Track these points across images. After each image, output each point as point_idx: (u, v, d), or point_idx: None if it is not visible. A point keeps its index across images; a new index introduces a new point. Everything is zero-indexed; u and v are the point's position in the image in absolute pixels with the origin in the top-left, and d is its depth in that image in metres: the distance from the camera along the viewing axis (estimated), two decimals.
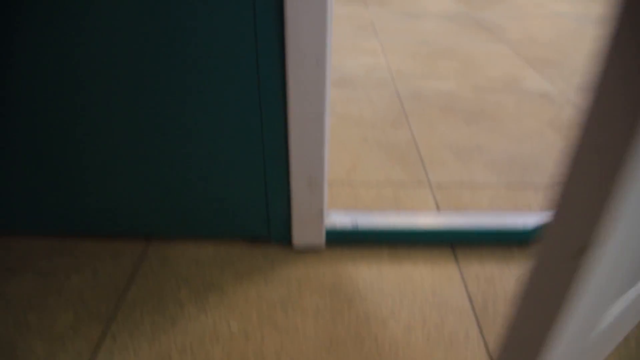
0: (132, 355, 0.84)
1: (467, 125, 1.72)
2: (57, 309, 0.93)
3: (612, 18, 0.38)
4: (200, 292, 0.97)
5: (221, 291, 0.97)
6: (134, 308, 0.93)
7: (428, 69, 2.24)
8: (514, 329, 0.58)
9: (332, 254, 1.08)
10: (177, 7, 0.81)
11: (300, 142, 0.93)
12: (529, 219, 1.11)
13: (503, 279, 1.02)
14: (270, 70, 0.87)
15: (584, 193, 0.40)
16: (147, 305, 0.93)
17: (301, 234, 1.05)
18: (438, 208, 1.25)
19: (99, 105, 0.91)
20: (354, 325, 0.90)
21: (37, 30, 0.84)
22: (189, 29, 0.83)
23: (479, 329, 0.90)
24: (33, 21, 0.83)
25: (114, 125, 0.94)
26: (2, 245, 1.09)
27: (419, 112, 1.80)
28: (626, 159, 0.36)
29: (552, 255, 0.47)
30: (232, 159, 0.97)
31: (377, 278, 1.01)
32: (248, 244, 1.10)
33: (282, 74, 0.87)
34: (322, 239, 1.06)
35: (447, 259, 1.07)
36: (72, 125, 0.94)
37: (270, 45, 0.85)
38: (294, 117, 0.90)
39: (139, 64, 0.87)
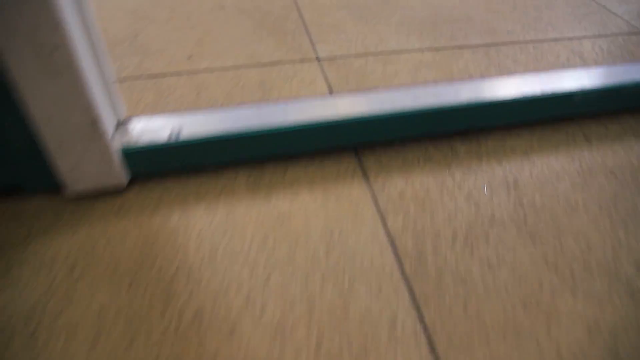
0: None
1: None
2: None
3: None
4: None
5: None
6: None
7: None
8: None
9: (139, 199, 0.58)
10: None
11: None
12: (475, 87, 0.67)
13: (444, 197, 0.59)
14: None
15: None
16: None
17: (73, 167, 0.55)
18: (331, 91, 0.77)
19: None
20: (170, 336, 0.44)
21: None
22: None
23: (416, 308, 0.47)
24: None
25: None
26: None
27: None
28: None
29: None
30: None
31: (220, 229, 0.54)
32: None
33: None
34: (115, 172, 0.56)
35: (350, 177, 0.62)
36: None
37: None
38: None
39: None
